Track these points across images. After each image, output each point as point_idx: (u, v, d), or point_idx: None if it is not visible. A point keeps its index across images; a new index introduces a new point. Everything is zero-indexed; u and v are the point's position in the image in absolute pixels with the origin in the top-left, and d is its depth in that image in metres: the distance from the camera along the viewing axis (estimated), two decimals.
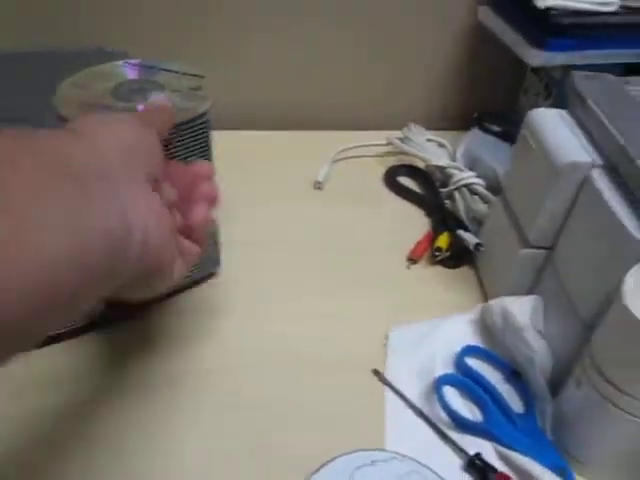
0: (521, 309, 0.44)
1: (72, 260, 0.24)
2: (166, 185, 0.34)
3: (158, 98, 0.41)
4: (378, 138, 0.71)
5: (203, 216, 0.36)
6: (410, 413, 0.43)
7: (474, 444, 0.41)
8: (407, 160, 0.69)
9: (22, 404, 0.42)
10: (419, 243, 0.57)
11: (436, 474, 0.38)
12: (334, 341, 0.48)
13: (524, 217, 0.47)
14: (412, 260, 0.56)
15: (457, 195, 0.60)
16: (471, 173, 0.61)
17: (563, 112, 0.46)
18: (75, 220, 0.24)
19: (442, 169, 0.64)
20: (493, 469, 0.39)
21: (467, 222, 0.58)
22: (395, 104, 0.76)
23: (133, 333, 0.48)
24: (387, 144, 0.70)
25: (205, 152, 0.44)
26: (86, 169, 0.26)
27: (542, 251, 0.45)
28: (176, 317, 0.50)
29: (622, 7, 0.54)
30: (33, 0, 0.66)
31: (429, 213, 0.63)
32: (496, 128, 0.67)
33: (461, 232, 0.55)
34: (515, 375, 0.45)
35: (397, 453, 0.39)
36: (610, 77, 0.47)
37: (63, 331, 0.45)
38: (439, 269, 0.56)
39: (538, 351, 0.42)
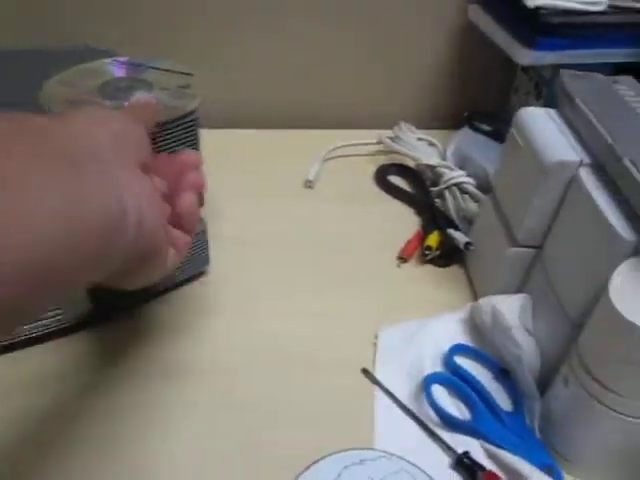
0: (510, 308, 0.45)
1: (68, 238, 0.24)
2: (155, 178, 0.34)
3: (142, 96, 0.41)
4: (369, 137, 0.71)
5: (190, 203, 0.36)
6: (399, 412, 0.43)
7: (463, 443, 0.41)
8: (398, 159, 0.69)
9: (11, 404, 0.42)
10: (409, 242, 0.57)
11: (425, 473, 0.38)
12: (324, 340, 0.48)
13: (513, 216, 0.47)
14: (402, 259, 0.56)
15: (447, 194, 0.60)
16: (461, 172, 0.61)
17: (551, 111, 0.46)
18: (71, 201, 0.24)
19: (432, 168, 0.64)
20: (481, 467, 0.39)
21: (457, 221, 0.59)
22: (386, 103, 0.76)
23: (123, 332, 0.48)
24: (378, 143, 0.70)
25: (194, 150, 0.44)
26: (80, 152, 0.27)
27: (531, 250, 0.46)
28: (166, 316, 0.49)
29: (610, 7, 0.55)
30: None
31: (419, 212, 0.63)
32: (486, 127, 0.68)
33: (451, 231, 0.55)
34: (504, 374, 0.45)
35: (385, 452, 0.39)
36: (599, 76, 0.47)
37: (52, 330, 0.45)
38: (429, 268, 0.56)
39: (526, 350, 0.43)
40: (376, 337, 0.48)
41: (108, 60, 0.45)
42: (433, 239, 0.56)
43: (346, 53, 0.73)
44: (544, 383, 0.42)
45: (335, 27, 0.71)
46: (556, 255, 0.43)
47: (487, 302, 0.46)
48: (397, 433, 0.42)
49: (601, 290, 0.35)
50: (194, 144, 0.44)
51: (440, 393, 0.44)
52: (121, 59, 0.45)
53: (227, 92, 0.71)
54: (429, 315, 0.49)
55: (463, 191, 0.60)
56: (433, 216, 0.60)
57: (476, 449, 0.41)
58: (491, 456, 0.40)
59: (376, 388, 0.45)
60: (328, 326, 0.49)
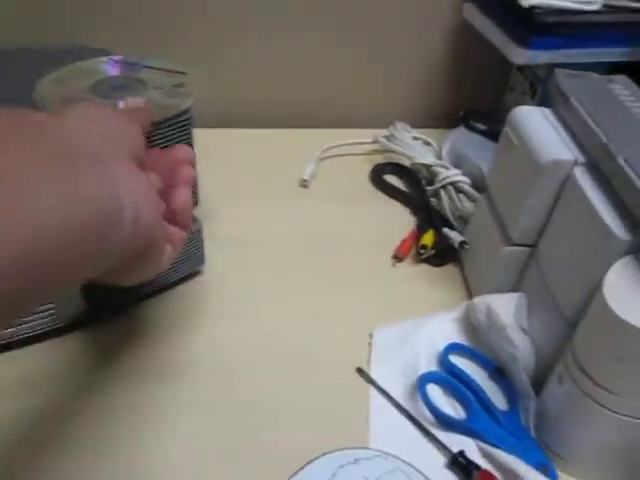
0: (504, 307, 0.45)
1: (64, 234, 0.24)
2: (151, 174, 0.35)
3: (135, 99, 0.41)
4: (364, 136, 0.71)
5: (185, 199, 0.36)
6: (394, 411, 0.43)
7: (458, 442, 0.41)
8: (393, 158, 0.69)
9: (5, 404, 0.42)
10: (404, 241, 0.57)
11: (420, 472, 0.38)
12: (319, 339, 0.48)
13: (508, 215, 0.47)
14: (397, 258, 0.56)
15: (443, 193, 0.60)
16: (457, 171, 0.61)
17: (546, 110, 0.46)
18: (68, 198, 0.24)
19: (428, 167, 0.64)
20: (477, 467, 0.39)
21: (453, 220, 0.59)
22: (381, 102, 0.76)
23: (117, 332, 0.48)
24: (373, 142, 0.70)
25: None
26: (76, 148, 0.27)
27: (526, 249, 0.46)
28: (161, 315, 0.49)
29: (605, 6, 0.55)
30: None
31: (415, 211, 0.63)
32: (482, 126, 0.68)
33: (446, 230, 0.55)
34: (499, 373, 0.45)
35: (381, 451, 0.39)
36: (593, 75, 0.47)
37: (46, 330, 0.45)
38: (424, 267, 0.56)
39: (521, 348, 0.43)
40: (371, 336, 0.48)
41: (102, 59, 0.45)
42: (428, 238, 0.56)
43: (341, 53, 0.73)
44: (539, 382, 0.42)
45: (330, 28, 0.71)
46: (551, 254, 0.43)
47: (482, 301, 0.46)
48: (392, 432, 0.42)
49: (595, 289, 0.35)
50: (188, 143, 0.44)
51: (435, 392, 0.44)
52: (115, 58, 0.45)
53: (221, 91, 0.70)
54: (424, 314, 0.49)
55: (458, 190, 0.60)
56: (428, 215, 0.60)
57: (471, 448, 0.40)
58: (486, 455, 0.40)
59: (371, 387, 0.45)
60: (323, 325, 0.49)
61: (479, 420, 0.42)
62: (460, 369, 0.45)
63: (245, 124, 0.72)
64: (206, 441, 0.41)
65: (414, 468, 0.38)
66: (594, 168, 0.39)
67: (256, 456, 0.40)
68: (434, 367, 0.46)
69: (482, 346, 0.47)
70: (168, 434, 0.41)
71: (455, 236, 0.54)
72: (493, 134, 0.64)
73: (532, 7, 0.54)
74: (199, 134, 0.45)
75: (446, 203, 0.60)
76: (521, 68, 0.65)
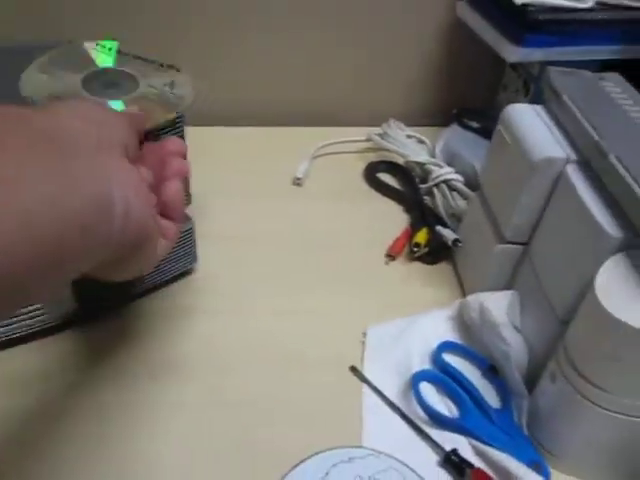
0: (497, 304, 0.45)
1: (59, 230, 0.24)
2: (142, 167, 0.34)
3: (131, 109, 0.40)
4: (358, 134, 0.70)
5: (175, 191, 0.36)
6: (387, 410, 0.43)
7: (451, 440, 0.41)
8: (387, 156, 0.69)
9: None
10: (397, 239, 0.57)
11: (413, 470, 0.38)
12: (312, 338, 0.48)
13: (500, 213, 0.47)
14: (391, 256, 0.56)
15: (436, 191, 0.60)
16: (450, 169, 0.61)
17: (538, 108, 0.46)
18: (64, 193, 0.25)
19: (421, 165, 0.64)
20: (469, 465, 0.39)
21: (446, 218, 0.58)
22: (375, 100, 0.76)
23: (109, 331, 0.47)
24: (367, 140, 0.70)
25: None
26: (67, 143, 0.27)
27: (518, 247, 0.46)
28: (153, 314, 0.49)
29: (598, 3, 0.55)
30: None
31: (408, 209, 0.63)
32: (475, 124, 0.68)
33: (440, 228, 0.55)
34: (492, 371, 0.45)
35: (374, 450, 0.39)
36: (586, 73, 0.47)
37: (37, 330, 0.45)
38: (417, 265, 0.56)
39: (514, 346, 0.43)
40: (364, 334, 0.48)
41: (93, 44, 0.44)
42: (421, 236, 0.56)
43: (336, 53, 0.73)
44: (532, 380, 0.42)
45: (322, 26, 0.71)
46: (543, 252, 0.43)
47: (475, 299, 0.46)
48: (385, 431, 0.42)
49: (587, 287, 0.35)
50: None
51: (428, 391, 0.44)
52: (104, 45, 0.45)
53: (220, 91, 0.70)
54: (417, 312, 0.49)
55: (452, 188, 0.60)
56: (422, 213, 0.60)
57: (464, 446, 0.40)
58: (479, 453, 0.40)
59: (364, 386, 0.45)
60: (316, 324, 0.49)
61: (472, 418, 0.42)
62: (453, 367, 0.45)
63: (237, 122, 0.72)
64: (199, 440, 0.40)
65: (407, 467, 0.38)
66: (586, 166, 0.39)
67: (249, 455, 0.40)
68: (427, 365, 0.46)
69: (475, 344, 0.47)
70: (161, 433, 0.41)
71: (448, 234, 0.54)
72: (486, 132, 0.64)
73: (525, 5, 0.53)
74: (191, 132, 0.45)
75: (439, 201, 0.60)
76: (514, 66, 0.65)
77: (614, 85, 0.45)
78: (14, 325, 0.43)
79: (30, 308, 0.43)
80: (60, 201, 0.24)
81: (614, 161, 0.36)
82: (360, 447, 0.40)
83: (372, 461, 0.39)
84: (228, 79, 0.73)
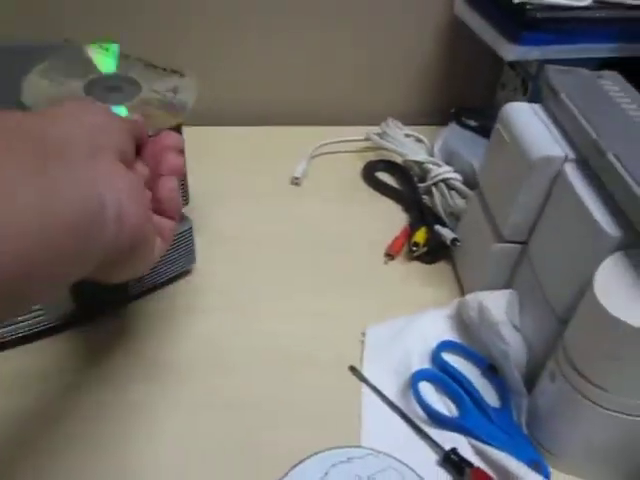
0: (496, 303, 0.45)
1: (42, 233, 0.24)
2: (139, 163, 0.34)
3: (132, 116, 0.40)
4: (356, 134, 0.70)
5: (170, 188, 0.35)
6: (387, 409, 0.43)
7: (450, 439, 0.41)
8: (385, 155, 0.69)
9: None
10: (396, 239, 0.57)
11: (412, 470, 0.38)
12: (310, 338, 0.48)
13: (499, 212, 0.47)
14: (390, 256, 0.56)
15: (435, 190, 0.60)
16: (448, 168, 0.61)
17: (537, 106, 0.46)
18: (45, 196, 0.24)
19: (420, 164, 0.64)
20: (469, 464, 0.39)
21: (445, 217, 0.58)
22: (373, 99, 0.75)
23: (107, 331, 0.47)
24: (365, 139, 0.70)
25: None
26: (55, 146, 0.26)
27: (517, 245, 0.46)
28: (151, 315, 0.49)
29: (596, 1, 0.54)
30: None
31: (407, 208, 0.62)
32: (473, 123, 0.67)
33: (438, 227, 0.55)
34: (491, 370, 0.45)
35: (373, 450, 0.39)
36: (583, 71, 0.47)
37: (35, 331, 0.44)
38: (416, 264, 0.56)
39: (513, 345, 0.43)
40: (363, 334, 0.48)
41: (94, 48, 0.44)
42: (420, 235, 0.56)
43: (333, 51, 0.73)
44: (531, 379, 0.42)
45: (321, 25, 0.71)
46: (542, 251, 0.43)
47: (474, 298, 0.46)
48: (384, 430, 0.42)
49: (586, 285, 0.35)
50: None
51: (427, 390, 0.44)
52: (107, 49, 0.44)
53: (220, 91, 0.70)
54: (416, 311, 0.49)
55: (450, 187, 0.60)
56: (420, 212, 0.59)
57: (464, 446, 0.40)
58: (479, 453, 0.40)
59: (363, 386, 0.45)
60: (315, 324, 0.49)
61: (471, 417, 0.42)
62: (452, 366, 0.45)
63: (235, 122, 0.72)
64: (197, 441, 0.40)
65: (406, 466, 0.38)
66: (584, 164, 0.39)
67: (248, 455, 0.40)
68: (426, 365, 0.46)
69: (474, 343, 0.47)
70: (159, 434, 0.41)
71: (447, 233, 0.54)
72: (485, 131, 0.64)
73: (523, 3, 0.53)
74: (189, 132, 0.45)
75: (438, 200, 0.60)
76: (513, 64, 0.65)
77: (612, 83, 0.45)
78: (13, 326, 0.43)
79: None
80: (41, 204, 0.24)
81: (612, 160, 0.36)
82: (359, 447, 0.40)
83: (371, 461, 0.39)
84: (228, 79, 0.73)
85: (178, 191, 0.36)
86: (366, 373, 0.45)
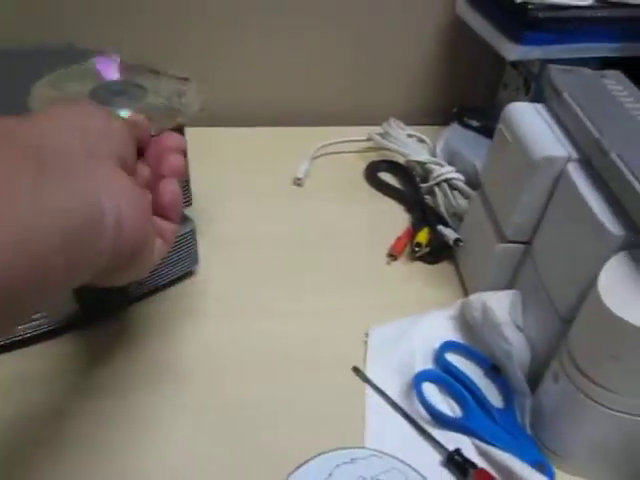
0: (499, 304, 0.44)
1: (29, 245, 0.23)
2: (140, 165, 0.34)
3: (134, 115, 0.39)
4: (358, 134, 0.70)
5: (171, 191, 0.35)
6: (390, 410, 0.43)
7: (454, 440, 0.41)
8: (387, 156, 0.69)
9: None
10: (399, 239, 0.57)
11: (416, 471, 0.38)
12: (313, 339, 0.48)
13: (501, 212, 0.47)
14: (392, 256, 0.56)
15: (437, 190, 0.60)
16: (451, 168, 0.61)
17: (539, 106, 0.46)
18: (37, 206, 0.24)
19: (422, 164, 0.64)
20: (473, 465, 0.39)
21: (447, 217, 0.58)
22: (375, 100, 0.75)
23: (111, 334, 0.47)
24: (367, 140, 0.70)
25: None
26: (50, 153, 0.26)
27: (520, 246, 0.45)
28: (154, 316, 0.49)
29: (598, 1, 0.54)
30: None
31: (409, 209, 0.62)
32: (476, 123, 0.67)
33: (441, 227, 0.55)
34: (495, 370, 0.45)
35: (376, 450, 0.39)
36: (586, 71, 0.47)
37: (39, 333, 0.44)
38: (419, 265, 0.56)
39: (516, 345, 0.43)
40: (367, 335, 0.48)
41: (102, 60, 0.44)
42: (423, 236, 0.55)
43: (334, 51, 0.73)
44: (535, 379, 0.42)
45: (322, 25, 0.71)
46: (545, 251, 0.43)
47: (477, 298, 0.46)
48: (388, 431, 0.42)
49: (589, 286, 0.35)
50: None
51: (431, 390, 0.44)
52: (115, 60, 0.44)
53: (221, 91, 0.70)
54: (419, 312, 0.49)
55: (453, 187, 0.59)
56: (423, 213, 0.59)
57: (467, 446, 0.40)
58: (482, 453, 0.40)
59: (367, 386, 0.45)
60: (318, 325, 0.49)
61: (475, 418, 0.42)
62: (456, 367, 0.45)
63: (236, 123, 0.72)
64: (200, 442, 0.40)
65: (410, 467, 0.38)
66: (587, 164, 0.39)
67: (252, 456, 0.40)
68: (430, 365, 0.46)
69: (477, 344, 0.47)
70: (163, 436, 0.41)
71: (450, 233, 0.54)
72: (487, 131, 0.64)
73: (525, 3, 0.53)
74: (191, 133, 0.45)
75: (440, 200, 0.60)
76: (515, 64, 0.65)
77: (616, 83, 0.45)
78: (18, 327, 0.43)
79: None
80: (33, 214, 0.23)
81: (615, 159, 0.35)
82: (363, 448, 0.40)
83: (375, 462, 0.39)
84: (229, 80, 0.73)
85: (180, 193, 0.36)
86: (369, 374, 0.45)
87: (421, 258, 0.56)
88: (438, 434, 0.41)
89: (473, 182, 0.58)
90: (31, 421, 0.41)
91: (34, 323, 0.44)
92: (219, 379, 0.44)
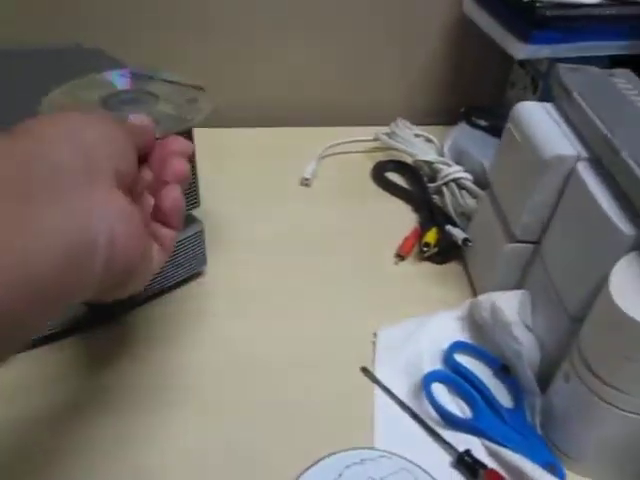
0: (509, 304, 0.44)
1: (28, 267, 0.23)
2: (143, 168, 0.33)
3: (139, 116, 0.37)
4: (365, 134, 0.70)
5: (173, 198, 0.34)
6: (399, 411, 0.43)
7: (464, 441, 0.40)
8: (395, 155, 0.69)
9: (2, 408, 0.41)
10: (407, 239, 0.57)
11: (426, 472, 0.38)
12: (322, 339, 0.48)
13: (510, 211, 0.46)
14: (400, 256, 0.56)
15: (445, 190, 0.60)
16: (459, 168, 0.60)
17: (548, 105, 0.46)
18: (28, 233, 0.23)
19: (430, 164, 0.64)
20: (483, 466, 0.39)
21: (455, 217, 0.58)
22: (382, 99, 0.75)
23: (119, 335, 0.47)
24: (374, 140, 0.70)
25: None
26: (35, 178, 0.25)
27: (529, 245, 0.45)
28: (163, 318, 0.49)
29: None
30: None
31: (417, 209, 0.62)
32: (483, 122, 0.67)
33: (449, 227, 0.55)
34: (504, 370, 0.45)
35: (386, 451, 0.39)
36: (595, 69, 0.46)
37: (46, 334, 0.44)
38: (427, 265, 0.56)
39: (526, 345, 0.42)
40: (375, 336, 0.48)
41: (114, 71, 0.44)
42: (431, 236, 0.55)
43: (341, 50, 0.73)
44: (545, 379, 0.42)
45: (329, 25, 0.71)
46: (555, 250, 0.43)
47: (487, 298, 0.46)
48: (397, 432, 0.42)
49: (601, 285, 0.35)
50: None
51: (440, 391, 0.44)
52: (128, 70, 0.44)
53: (222, 92, 0.70)
54: (428, 312, 0.49)
55: (461, 187, 0.59)
56: (431, 212, 0.59)
57: (477, 447, 0.40)
58: (492, 454, 0.40)
59: (376, 387, 0.44)
60: (327, 325, 0.49)
61: (485, 418, 0.42)
62: (465, 367, 0.45)
63: (244, 123, 0.72)
64: (211, 443, 0.40)
65: (420, 468, 0.38)
66: (597, 163, 0.39)
67: (261, 457, 0.40)
68: (438, 366, 0.46)
69: (487, 344, 0.47)
70: (169, 439, 0.41)
71: (458, 233, 0.54)
72: (495, 130, 0.64)
73: (532, 1, 0.53)
74: (198, 134, 0.45)
75: (448, 200, 0.59)
76: (522, 63, 0.65)
77: (625, 81, 0.44)
78: None
79: None
80: (24, 238, 0.23)
81: (626, 158, 0.35)
82: (372, 448, 0.40)
83: (384, 462, 0.39)
84: (236, 80, 0.73)
85: (182, 200, 0.34)
86: (378, 374, 0.45)
87: (429, 258, 0.56)
88: (448, 435, 0.41)
89: (481, 182, 0.57)
90: (35, 425, 0.41)
91: None
92: (227, 381, 0.44)
